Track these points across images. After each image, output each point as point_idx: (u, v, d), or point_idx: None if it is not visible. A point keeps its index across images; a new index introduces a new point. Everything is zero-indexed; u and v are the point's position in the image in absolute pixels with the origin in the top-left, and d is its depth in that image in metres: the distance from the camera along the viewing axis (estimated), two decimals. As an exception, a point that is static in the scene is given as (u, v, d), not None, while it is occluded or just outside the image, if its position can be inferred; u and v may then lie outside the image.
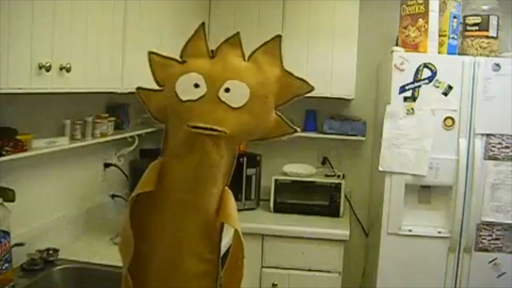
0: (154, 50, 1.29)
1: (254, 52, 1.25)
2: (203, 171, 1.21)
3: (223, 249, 1.30)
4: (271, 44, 1.25)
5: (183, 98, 1.21)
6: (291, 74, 1.25)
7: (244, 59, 1.25)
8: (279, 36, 1.24)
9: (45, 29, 1.61)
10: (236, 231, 1.25)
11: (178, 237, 1.24)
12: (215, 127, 1.16)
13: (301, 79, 1.24)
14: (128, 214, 1.24)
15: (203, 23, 1.28)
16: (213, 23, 3.26)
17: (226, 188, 1.27)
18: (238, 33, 1.25)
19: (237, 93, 1.20)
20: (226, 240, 1.31)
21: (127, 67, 2.14)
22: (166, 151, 1.27)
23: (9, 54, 1.45)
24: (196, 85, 1.21)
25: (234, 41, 1.25)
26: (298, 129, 1.27)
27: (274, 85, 1.23)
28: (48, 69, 1.58)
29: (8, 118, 1.83)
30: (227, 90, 1.20)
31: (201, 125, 1.16)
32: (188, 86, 1.21)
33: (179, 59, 1.27)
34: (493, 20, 2.82)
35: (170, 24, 2.59)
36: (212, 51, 1.26)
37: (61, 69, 1.67)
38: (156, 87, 1.28)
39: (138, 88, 1.29)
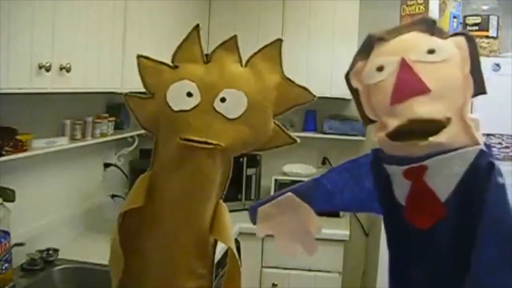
0: (144, 54, 1.20)
1: (252, 56, 1.16)
2: (196, 187, 1.14)
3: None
4: (271, 49, 1.15)
5: (175, 108, 1.12)
6: (291, 81, 1.16)
7: (241, 64, 1.16)
8: (280, 40, 1.15)
9: (45, 29, 1.61)
10: (230, 249, 1.18)
11: (170, 254, 1.18)
12: (209, 140, 1.08)
13: (302, 87, 1.16)
14: (117, 230, 1.18)
15: (197, 25, 1.18)
16: (213, 23, 3.26)
17: (221, 201, 1.19)
18: (235, 36, 1.16)
19: (234, 103, 1.11)
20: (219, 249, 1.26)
21: (127, 67, 2.14)
22: (156, 163, 1.19)
23: (9, 54, 1.45)
24: (189, 94, 1.12)
25: (230, 45, 1.16)
26: (298, 140, 1.19)
27: (273, 93, 1.14)
28: (48, 69, 1.58)
29: (8, 118, 1.83)
30: (223, 99, 1.11)
31: (195, 138, 1.08)
32: (180, 95, 1.12)
33: (171, 64, 1.18)
34: (493, 20, 2.82)
35: (170, 24, 2.59)
36: (206, 55, 1.17)
37: (61, 69, 1.67)
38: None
39: (126, 95, 1.20)
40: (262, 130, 1.15)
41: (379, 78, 1.09)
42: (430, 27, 1.13)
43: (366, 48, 1.17)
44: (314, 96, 1.17)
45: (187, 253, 1.19)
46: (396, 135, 1.02)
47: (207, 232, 1.19)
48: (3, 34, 1.42)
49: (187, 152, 1.10)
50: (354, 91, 1.19)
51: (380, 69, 1.09)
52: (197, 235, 1.18)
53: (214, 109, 1.11)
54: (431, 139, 0.99)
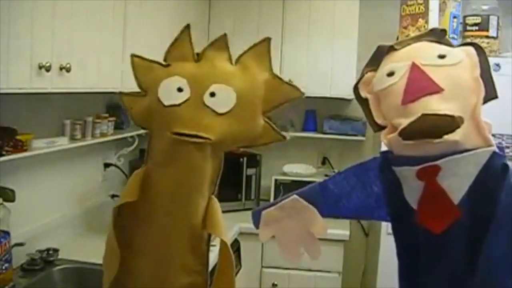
0: (140, 53, 1.25)
1: (242, 55, 1.20)
2: (187, 180, 1.16)
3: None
4: (260, 47, 1.19)
5: (166, 103, 1.15)
6: (280, 78, 1.19)
7: (231, 63, 1.20)
8: (269, 39, 1.19)
9: (45, 29, 1.61)
10: (224, 243, 1.19)
11: (165, 249, 1.19)
12: (199, 133, 1.11)
13: (290, 84, 1.19)
14: (112, 225, 1.19)
15: (188, 25, 1.23)
16: (213, 24, 3.26)
17: (212, 197, 1.22)
18: (225, 35, 1.20)
19: (223, 98, 1.14)
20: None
21: (127, 67, 2.12)
22: (150, 159, 1.21)
23: (9, 54, 1.45)
24: (180, 89, 1.15)
25: (220, 43, 1.20)
26: (287, 137, 1.22)
27: (262, 89, 1.17)
28: (48, 69, 1.58)
29: (8, 118, 1.83)
30: (212, 94, 1.14)
31: (185, 131, 1.11)
32: (171, 90, 1.15)
33: (163, 63, 1.22)
34: (493, 20, 2.82)
35: (170, 24, 2.59)
36: (197, 54, 1.21)
37: (61, 69, 1.67)
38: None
39: (121, 93, 1.25)
40: (250, 125, 1.18)
41: (390, 82, 1.07)
42: (439, 36, 1.13)
43: (376, 59, 1.16)
44: (303, 93, 1.19)
45: (182, 248, 1.20)
46: (409, 133, 0.99)
47: (200, 227, 1.20)
48: (3, 34, 1.42)
49: (178, 146, 1.13)
50: (363, 101, 1.17)
51: (390, 74, 1.08)
52: (190, 230, 1.20)
53: (204, 103, 1.14)
54: (446, 137, 0.97)
